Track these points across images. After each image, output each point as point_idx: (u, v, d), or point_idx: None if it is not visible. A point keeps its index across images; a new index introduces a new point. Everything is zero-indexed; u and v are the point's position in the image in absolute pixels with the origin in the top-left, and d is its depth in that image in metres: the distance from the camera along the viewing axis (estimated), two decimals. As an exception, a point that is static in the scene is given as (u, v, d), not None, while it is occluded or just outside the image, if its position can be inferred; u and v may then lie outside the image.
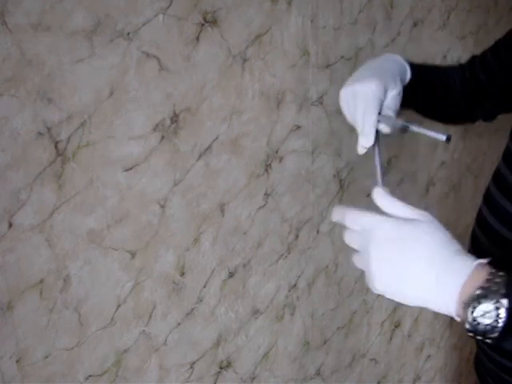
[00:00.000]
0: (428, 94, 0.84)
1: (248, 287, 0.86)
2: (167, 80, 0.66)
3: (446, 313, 0.55)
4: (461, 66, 0.89)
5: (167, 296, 0.73)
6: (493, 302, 0.51)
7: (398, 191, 1.21)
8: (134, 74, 0.63)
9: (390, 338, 1.30)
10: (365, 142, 0.71)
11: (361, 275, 1.20)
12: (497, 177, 0.78)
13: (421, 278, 0.55)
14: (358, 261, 0.62)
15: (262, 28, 0.77)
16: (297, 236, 0.92)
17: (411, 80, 0.79)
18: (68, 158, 0.59)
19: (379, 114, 0.72)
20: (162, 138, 0.67)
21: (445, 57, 1.23)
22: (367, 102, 0.71)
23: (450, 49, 1.24)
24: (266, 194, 0.85)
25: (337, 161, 0.97)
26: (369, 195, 1.12)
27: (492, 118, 0.91)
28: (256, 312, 0.88)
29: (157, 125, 0.67)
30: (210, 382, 0.83)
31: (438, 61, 1.20)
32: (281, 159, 0.85)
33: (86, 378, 0.66)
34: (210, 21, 0.69)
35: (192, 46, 0.68)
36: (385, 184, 0.74)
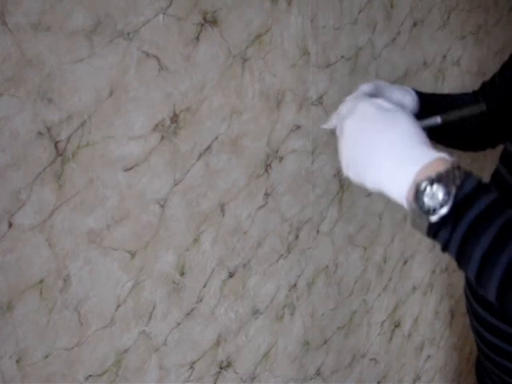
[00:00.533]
0: (442, 127, 0.83)
1: (248, 287, 0.86)
2: (167, 80, 0.66)
3: (399, 199, 0.55)
4: (474, 92, 0.86)
5: (167, 296, 0.73)
6: (443, 187, 0.51)
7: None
8: (133, 73, 0.63)
9: (390, 338, 1.30)
10: (325, 123, 0.71)
11: (361, 275, 1.21)
12: (495, 178, 0.78)
13: (381, 161, 0.56)
14: (338, 143, 0.64)
15: (262, 28, 0.77)
16: (297, 236, 0.92)
17: (421, 110, 0.76)
18: (68, 158, 0.59)
19: None
20: (162, 138, 0.67)
21: (445, 57, 1.23)
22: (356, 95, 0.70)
23: (450, 49, 1.24)
24: (266, 194, 0.85)
25: (337, 161, 0.97)
26: (369, 195, 1.12)
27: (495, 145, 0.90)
28: (256, 312, 0.88)
29: (157, 125, 0.67)
30: (210, 382, 0.83)
31: (437, 61, 1.20)
32: (281, 159, 0.85)
33: (86, 378, 0.66)
34: (209, 21, 0.69)
35: (192, 45, 0.68)
36: None
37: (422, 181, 0.52)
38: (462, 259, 0.53)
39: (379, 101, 0.62)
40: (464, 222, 0.51)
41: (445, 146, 0.87)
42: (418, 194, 0.52)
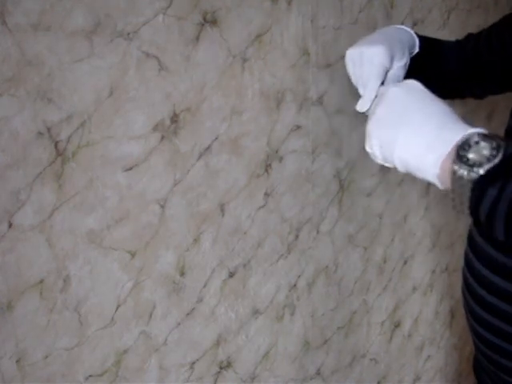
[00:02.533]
0: (432, 68, 0.85)
1: (248, 287, 0.86)
2: (167, 80, 0.66)
3: (431, 175, 0.54)
4: (458, 42, 0.88)
5: (167, 296, 0.73)
6: (492, 142, 0.50)
7: (398, 191, 1.21)
8: (133, 73, 0.63)
9: (390, 338, 1.30)
10: (360, 106, 0.74)
11: (361, 275, 1.21)
12: None
13: (420, 128, 0.56)
14: (367, 125, 0.65)
15: (262, 28, 0.77)
16: (297, 236, 0.92)
17: (418, 52, 0.79)
18: (68, 158, 0.59)
19: (382, 83, 0.73)
20: (162, 137, 0.67)
21: (445, 57, 1.23)
22: (372, 67, 0.72)
23: (450, 49, 1.24)
24: (266, 194, 0.85)
25: (337, 161, 0.97)
26: (369, 195, 1.12)
27: (481, 96, 0.92)
28: (256, 312, 0.88)
29: (157, 125, 0.67)
30: (210, 382, 0.83)
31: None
32: (281, 159, 0.85)
33: (86, 378, 0.66)
34: (209, 21, 0.69)
35: (192, 45, 0.68)
36: None
37: (465, 138, 0.51)
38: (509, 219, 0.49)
39: (410, 84, 0.63)
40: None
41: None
42: (460, 151, 0.50)
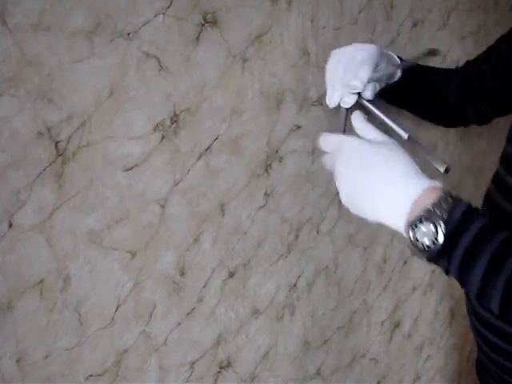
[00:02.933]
0: (420, 92, 0.85)
1: (248, 287, 0.86)
2: (167, 80, 0.66)
3: (398, 229, 0.58)
4: (456, 69, 0.89)
5: (167, 296, 0.73)
6: (432, 224, 0.54)
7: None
8: (133, 73, 0.63)
9: (390, 338, 1.30)
10: (328, 100, 0.75)
11: (361, 275, 1.21)
12: (496, 179, 0.78)
13: (377, 195, 0.60)
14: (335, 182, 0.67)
15: (262, 28, 0.77)
16: (297, 236, 0.92)
17: (403, 76, 0.80)
18: (68, 158, 0.59)
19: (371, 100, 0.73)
20: (162, 138, 0.67)
21: (445, 57, 1.23)
22: (365, 58, 0.73)
23: (450, 49, 1.24)
24: (266, 194, 0.85)
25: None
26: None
27: (487, 121, 0.92)
28: (256, 312, 0.88)
29: (157, 125, 0.67)
30: (210, 382, 0.83)
31: (438, 61, 1.20)
32: (281, 159, 0.85)
33: (86, 378, 0.66)
34: (210, 21, 0.69)
35: (192, 46, 0.68)
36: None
37: (412, 220, 0.55)
38: (463, 284, 0.56)
39: (363, 137, 0.66)
40: (458, 252, 0.54)
41: (424, 118, 0.90)
42: (411, 232, 0.55)
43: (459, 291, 1.56)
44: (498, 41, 0.84)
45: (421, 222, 0.54)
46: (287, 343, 0.97)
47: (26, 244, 0.57)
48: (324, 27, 0.87)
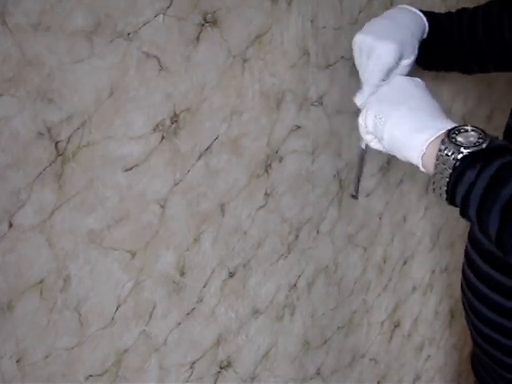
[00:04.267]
0: (438, 52, 0.84)
1: (248, 287, 0.86)
2: (167, 80, 0.66)
3: (414, 156, 0.60)
4: (452, 15, 0.86)
5: (167, 296, 0.73)
6: (479, 133, 0.56)
7: (397, 191, 1.21)
8: (133, 74, 0.63)
9: (390, 338, 1.30)
10: (358, 99, 0.77)
11: (361, 275, 1.21)
12: None
13: (406, 119, 0.62)
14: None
15: (262, 28, 0.77)
16: (297, 236, 0.92)
17: (426, 38, 0.79)
18: (68, 158, 0.59)
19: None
20: (162, 138, 0.67)
21: (445, 57, 1.23)
22: (378, 64, 0.73)
23: (449, 49, 1.24)
24: (266, 194, 0.85)
25: (337, 161, 0.97)
26: (368, 195, 1.12)
27: (470, 73, 0.90)
28: (256, 312, 0.88)
29: (157, 125, 0.67)
30: (210, 382, 0.83)
31: (437, 61, 1.20)
32: (281, 159, 0.85)
33: (86, 378, 0.66)
34: (210, 21, 0.69)
35: (192, 46, 0.68)
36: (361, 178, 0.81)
37: (457, 126, 0.57)
38: (484, 204, 0.53)
39: (417, 80, 0.70)
40: (493, 166, 0.52)
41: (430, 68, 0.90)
42: (450, 134, 0.56)
43: (459, 291, 1.56)
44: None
45: (465, 130, 0.55)
46: (287, 343, 0.97)
47: (25, 244, 0.57)
48: (324, 27, 0.87)
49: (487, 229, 0.53)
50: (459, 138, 0.55)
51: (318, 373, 1.07)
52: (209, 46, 0.70)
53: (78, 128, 0.59)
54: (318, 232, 0.97)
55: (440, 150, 0.56)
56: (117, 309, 0.67)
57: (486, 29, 0.80)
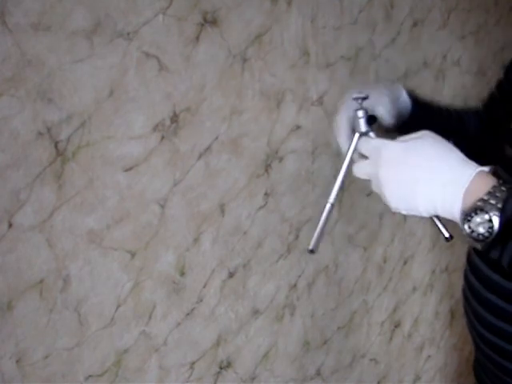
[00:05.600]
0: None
1: (248, 287, 0.86)
2: (167, 80, 0.66)
3: (452, 218, 0.58)
4: (476, 111, 0.86)
5: (167, 296, 0.73)
6: (488, 215, 0.54)
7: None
8: (133, 73, 0.63)
9: (390, 338, 1.30)
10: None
11: (361, 275, 1.21)
12: (502, 158, 0.77)
13: (428, 189, 0.59)
14: (373, 186, 0.68)
15: (262, 28, 0.77)
16: (297, 236, 0.92)
17: (414, 114, 0.77)
18: (68, 158, 0.59)
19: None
20: (162, 138, 0.67)
21: (445, 57, 1.23)
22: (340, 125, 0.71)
23: (450, 49, 1.24)
24: (266, 194, 0.85)
25: (337, 161, 0.97)
26: (369, 195, 1.12)
27: None
28: (256, 312, 0.88)
29: (157, 125, 0.67)
30: (210, 382, 0.83)
31: (438, 61, 1.20)
32: (281, 159, 0.85)
33: (86, 378, 0.66)
34: (209, 21, 0.69)
35: (192, 46, 0.68)
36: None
37: (467, 212, 0.55)
38: None
39: (398, 139, 0.64)
40: (510, 245, 0.55)
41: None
42: (466, 224, 0.56)
43: (459, 291, 1.56)
44: (506, 73, 0.82)
45: (476, 213, 0.55)
46: (287, 343, 0.97)
47: (25, 244, 0.57)
48: (324, 27, 0.87)
49: None
50: (473, 227, 0.55)
51: (318, 373, 1.07)
52: (209, 45, 0.70)
53: (78, 128, 0.59)
54: (318, 232, 0.97)
55: (464, 233, 0.57)
56: (117, 309, 0.67)
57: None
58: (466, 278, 0.82)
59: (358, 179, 1.00)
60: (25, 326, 0.58)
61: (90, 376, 0.66)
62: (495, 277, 0.74)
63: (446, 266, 1.48)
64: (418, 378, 1.48)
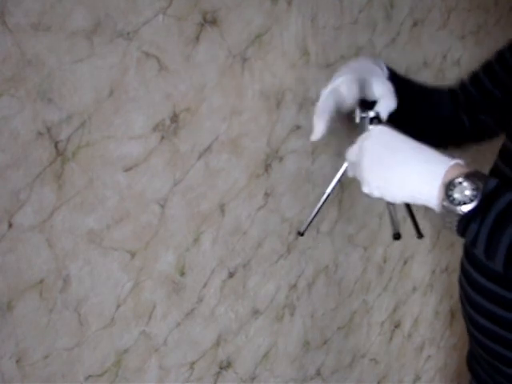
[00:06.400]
0: (414, 110, 0.84)
1: (248, 287, 0.86)
2: (167, 80, 0.66)
3: (429, 201, 0.61)
4: (445, 89, 0.89)
5: (167, 296, 0.73)
6: (473, 184, 0.58)
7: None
8: (133, 73, 0.63)
9: (390, 338, 1.30)
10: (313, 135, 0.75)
11: (361, 275, 1.21)
12: (494, 175, 0.78)
13: (407, 173, 0.63)
14: (352, 170, 0.73)
15: (262, 28, 0.77)
16: (297, 236, 0.92)
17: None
18: (68, 158, 0.59)
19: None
20: (162, 138, 0.67)
21: (445, 57, 1.23)
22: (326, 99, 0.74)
23: (450, 49, 1.24)
24: (266, 194, 0.85)
25: (337, 161, 0.97)
26: (369, 195, 1.11)
27: (497, 135, 0.91)
28: (256, 312, 0.88)
29: (157, 125, 0.67)
30: (210, 382, 0.83)
31: (438, 61, 1.20)
32: (281, 159, 0.85)
33: (86, 378, 0.66)
34: (209, 21, 0.69)
35: (192, 46, 0.68)
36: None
37: (451, 179, 0.58)
38: (490, 250, 0.58)
39: (380, 130, 0.69)
40: (491, 214, 0.57)
41: (434, 142, 0.89)
42: (448, 191, 0.58)
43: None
44: (500, 53, 0.84)
45: (459, 182, 0.57)
46: (287, 343, 0.97)
47: (25, 244, 0.57)
48: (324, 27, 0.87)
49: (497, 267, 0.59)
50: (456, 195, 0.58)
51: (318, 373, 1.07)
52: (209, 45, 0.70)
53: (78, 128, 0.59)
54: (318, 232, 0.97)
55: (443, 207, 0.59)
56: (117, 309, 0.67)
57: (495, 81, 0.83)
58: (461, 265, 0.83)
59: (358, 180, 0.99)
60: (25, 325, 0.58)
61: (90, 376, 0.66)
62: (490, 263, 0.74)
63: (445, 265, 1.48)
64: (417, 377, 1.48)
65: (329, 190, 0.79)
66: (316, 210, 0.81)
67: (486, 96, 0.84)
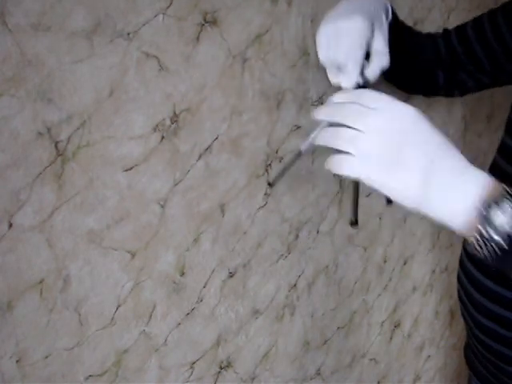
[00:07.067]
0: (402, 54, 0.78)
1: (248, 287, 0.86)
2: (167, 80, 0.66)
3: (450, 220, 0.52)
4: (432, 35, 0.83)
5: (167, 296, 0.73)
6: (507, 207, 0.49)
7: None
8: (133, 73, 0.63)
9: (390, 338, 1.30)
10: (346, 80, 0.64)
11: (361, 275, 1.21)
12: (493, 171, 0.78)
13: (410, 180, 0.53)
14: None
15: (261, 28, 0.77)
16: (297, 236, 0.92)
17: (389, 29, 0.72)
18: (68, 158, 0.59)
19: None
20: (162, 138, 0.67)
21: (445, 57, 1.23)
22: (352, 40, 0.64)
23: (449, 49, 1.24)
24: (266, 194, 0.85)
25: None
26: (369, 195, 1.12)
27: (470, 91, 0.87)
28: (256, 312, 0.88)
29: (157, 125, 0.67)
30: (210, 382, 0.83)
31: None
32: (281, 159, 0.85)
33: (86, 378, 0.66)
34: (209, 21, 0.69)
35: (192, 46, 0.68)
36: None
37: (484, 199, 0.50)
38: None
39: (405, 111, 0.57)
40: None
41: (404, 86, 0.85)
42: (483, 212, 0.50)
43: (459, 291, 1.56)
44: (492, 13, 0.79)
45: (496, 203, 0.49)
46: (287, 343, 0.97)
47: (25, 244, 0.57)
48: (324, 27, 0.87)
49: None
50: (494, 218, 0.49)
51: (318, 373, 1.07)
52: (209, 45, 0.70)
53: (78, 128, 0.59)
54: (318, 232, 0.97)
55: (479, 232, 0.50)
56: (117, 309, 0.67)
57: (480, 39, 0.78)
58: (460, 262, 0.83)
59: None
60: (25, 325, 0.58)
61: (90, 376, 0.66)
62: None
63: (445, 265, 1.48)
64: (417, 377, 1.48)
65: (303, 147, 0.68)
66: (287, 162, 0.72)
67: (469, 54, 0.79)
